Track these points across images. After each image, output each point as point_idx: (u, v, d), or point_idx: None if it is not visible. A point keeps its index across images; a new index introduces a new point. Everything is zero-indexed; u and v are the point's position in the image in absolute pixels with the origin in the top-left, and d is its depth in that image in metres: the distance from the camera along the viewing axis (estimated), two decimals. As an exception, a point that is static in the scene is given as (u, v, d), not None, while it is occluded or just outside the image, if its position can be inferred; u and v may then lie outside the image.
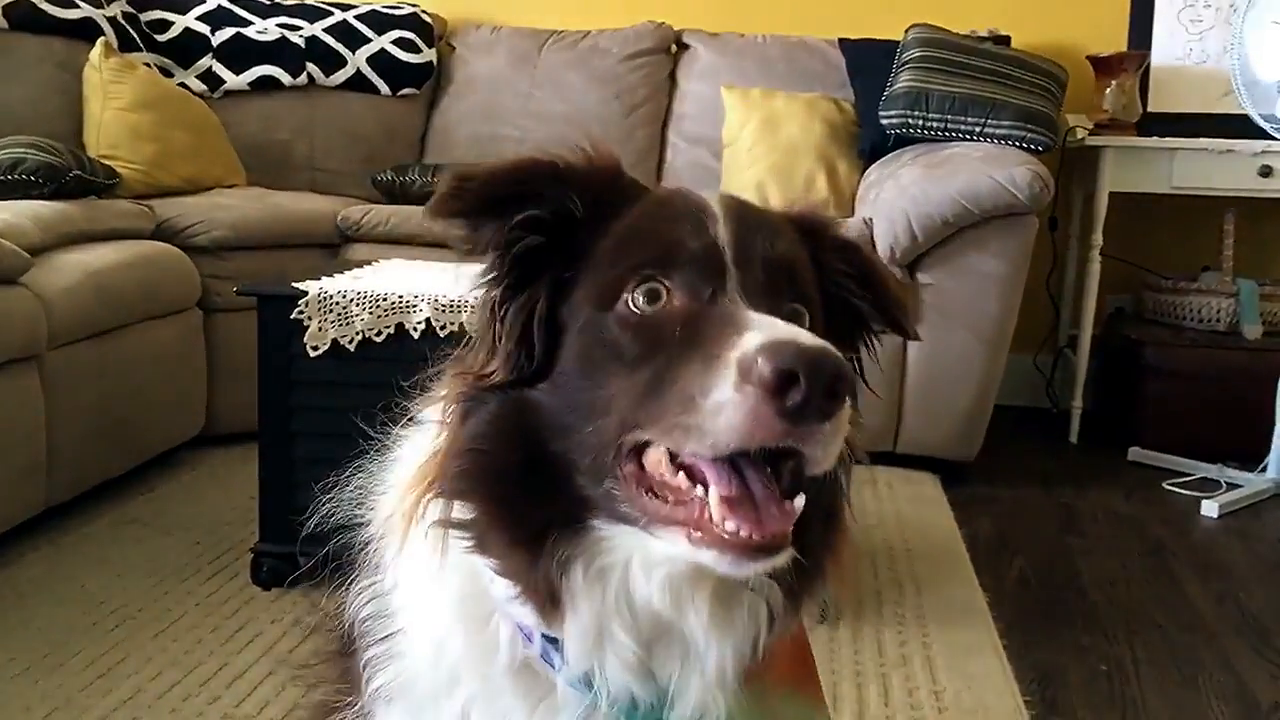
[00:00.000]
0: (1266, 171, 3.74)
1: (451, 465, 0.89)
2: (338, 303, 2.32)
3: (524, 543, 0.87)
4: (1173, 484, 3.49)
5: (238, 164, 4.07)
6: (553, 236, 0.91)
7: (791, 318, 0.86)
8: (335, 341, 2.32)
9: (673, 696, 0.89)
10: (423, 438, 0.98)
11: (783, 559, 0.81)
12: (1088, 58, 4.12)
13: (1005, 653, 2.28)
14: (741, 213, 0.92)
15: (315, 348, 2.32)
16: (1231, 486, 3.43)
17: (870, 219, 3.43)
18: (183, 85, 4.15)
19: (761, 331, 0.78)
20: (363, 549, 1.02)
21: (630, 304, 0.86)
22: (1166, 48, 4.22)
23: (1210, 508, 3.25)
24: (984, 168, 3.26)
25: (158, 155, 3.68)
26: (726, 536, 0.79)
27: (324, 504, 1.06)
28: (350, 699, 1.04)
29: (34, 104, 3.70)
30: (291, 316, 2.32)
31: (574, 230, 0.91)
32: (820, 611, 2.34)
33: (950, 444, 3.43)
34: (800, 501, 0.81)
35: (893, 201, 3.35)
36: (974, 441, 3.44)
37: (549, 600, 0.87)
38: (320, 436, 2.38)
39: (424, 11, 4.51)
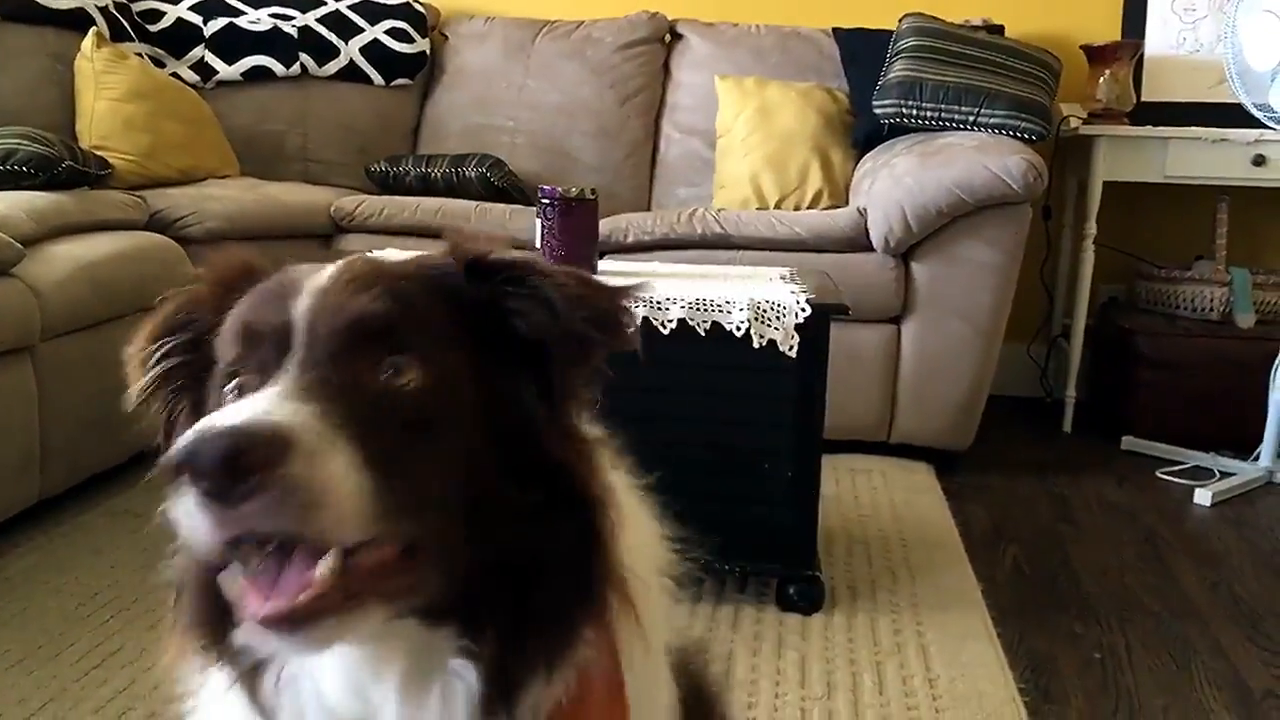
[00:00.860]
0: (1260, 160, 3.74)
1: (176, 603, 0.94)
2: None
3: (229, 660, 0.88)
4: (1166, 472, 3.50)
5: (231, 155, 4.06)
6: (193, 351, 0.92)
7: (394, 371, 0.81)
8: (329, 332, 2.31)
9: None
10: None
11: (345, 627, 0.76)
12: (1081, 47, 4.12)
13: (999, 640, 2.29)
14: (337, 279, 0.85)
15: (309, 338, 2.31)
16: (1224, 475, 3.44)
17: (864, 209, 3.43)
18: (175, 75, 4.14)
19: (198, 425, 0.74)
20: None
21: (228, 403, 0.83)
22: (1160, 37, 4.23)
23: (1203, 496, 3.26)
24: (978, 157, 3.26)
25: (150, 146, 3.67)
26: (261, 616, 0.75)
27: None
28: None
29: (26, 95, 3.68)
30: (285, 307, 2.31)
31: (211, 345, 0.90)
32: (813, 599, 2.33)
33: (944, 433, 3.43)
34: (321, 569, 0.74)
35: (887, 191, 3.35)
36: (968, 431, 3.44)
37: (265, 715, 0.87)
38: (314, 427, 2.38)
39: (417, 1, 4.50)
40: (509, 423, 0.87)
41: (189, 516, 0.73)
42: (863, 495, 3.14)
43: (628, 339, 0.90)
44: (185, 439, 0.71)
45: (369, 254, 0.93)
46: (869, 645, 2.25)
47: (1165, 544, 2.93)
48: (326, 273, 0.86)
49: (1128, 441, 3.75)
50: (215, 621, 0.86)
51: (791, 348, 2.27)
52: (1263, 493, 3.38)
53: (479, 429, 0.85)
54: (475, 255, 0.91)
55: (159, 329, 0.93)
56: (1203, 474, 3.47)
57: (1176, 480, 3.43)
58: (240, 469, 0.69)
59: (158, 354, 0.92)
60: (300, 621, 0.74)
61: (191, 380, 0.92)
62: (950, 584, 2.58)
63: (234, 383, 0.85)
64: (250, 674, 0.86)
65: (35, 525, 2.69)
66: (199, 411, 0.90)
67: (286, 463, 0.70)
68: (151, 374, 0.92)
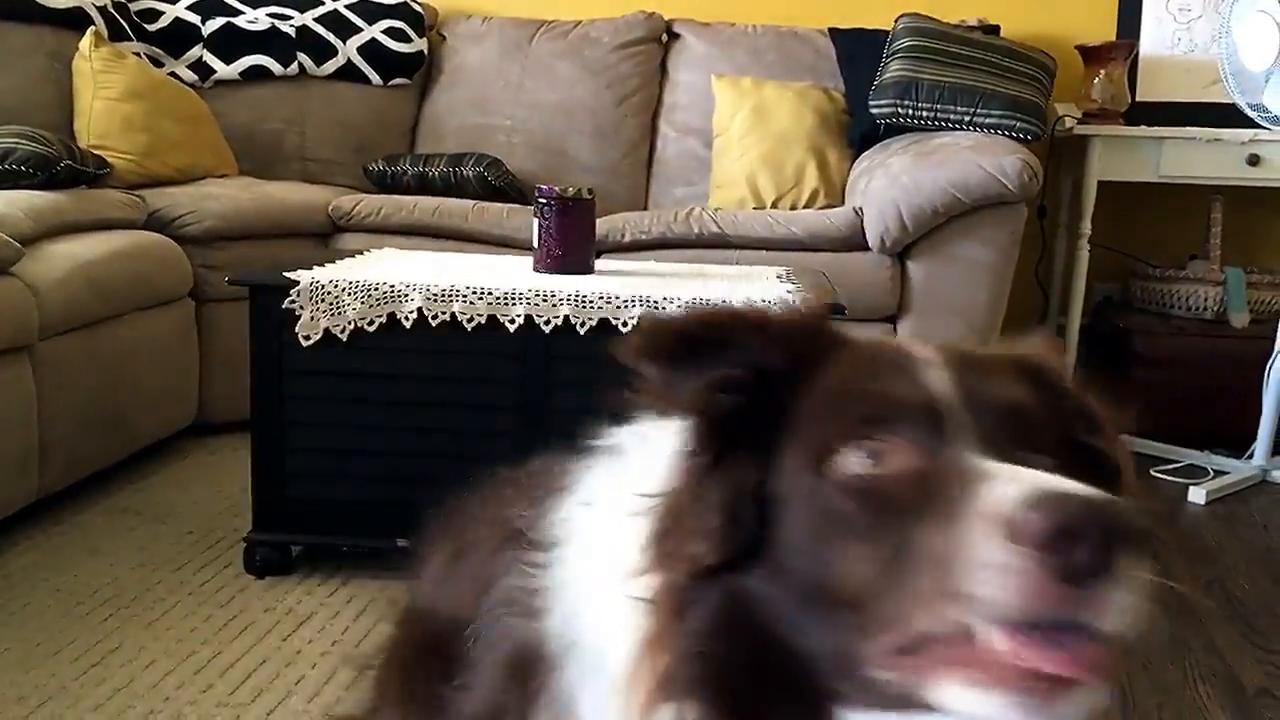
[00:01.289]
0: (1254, 160, 3.76)
1: (675, 669, 0.77)
2: (330, 292, 2.32)
3: None
4: (1160, 470, 3.51)
5: (229, 154, 4.06)
6: (752, 397, 0.81)
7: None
8: (327, 331, 2.33)
9: None
10: (600, 526, 0.89)
11: (1092, 700, 0.69)
12: (1076, 47, 4.13)
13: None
14: (961, 359, 0.81)
15: (307, 337, 2.32)
16: (1218, 473, 3.45)
17: (860, 208, 3.44)
18: (173, 75, 4.15)
19: (1019, 483, 0.67)
20: (528, 656, 0.90)
21: (851, 467, 0.75)
22: (1155, 37, 4.24)
23: (1197, 494, 3.27)
24: (974, 157, 3.27)
25: (149, 145, 3.68)
26: (1016, 668, 0.66)
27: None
28: None
29: (24, 94, 3.68)
30: (283, 306, 2.32)
31: (773, 390, 0.81)
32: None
33: (940, 432, 3.44)
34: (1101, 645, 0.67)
35: (883, 191, 3.36)
36: (963, 430, 3.44)
37: None
38: (313, 425, 2.39)
39: (414, 1, 4.51)
40: None
41: (1024, 578, 0.64)
42: (858, 494, 3.15)
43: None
44: (1060, 500, 0.65)
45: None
46: (864, 643, 2.26)
47: (1159, 542, 2.94)
48: (949, 351, 0.82)
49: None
50: (751, 698, 0.77)
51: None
52: (1256, 491, 3.40)
53: None
54: (1059, 383, 0.88)
55: (725, 325, 0.83)
56: (1197, 472, 3.49)
57: (1170, 478, 3.44)
58: (1116, 552, 0.65)
59: (723, 356, 0.82)
60: (1062, 690, 0.67)
61: (736, 422, 0.81)
62: (945, 582, 2.58)
63: (864, 445, 0.75)
64: None
65: (34, 524, 2.70)
66: (757, 461, 0.80)
67: (1138, 561, 0.66)
68: (716, 376, 0.81)
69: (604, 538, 0.87)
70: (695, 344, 0.81)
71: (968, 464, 0.71)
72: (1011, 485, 0.67)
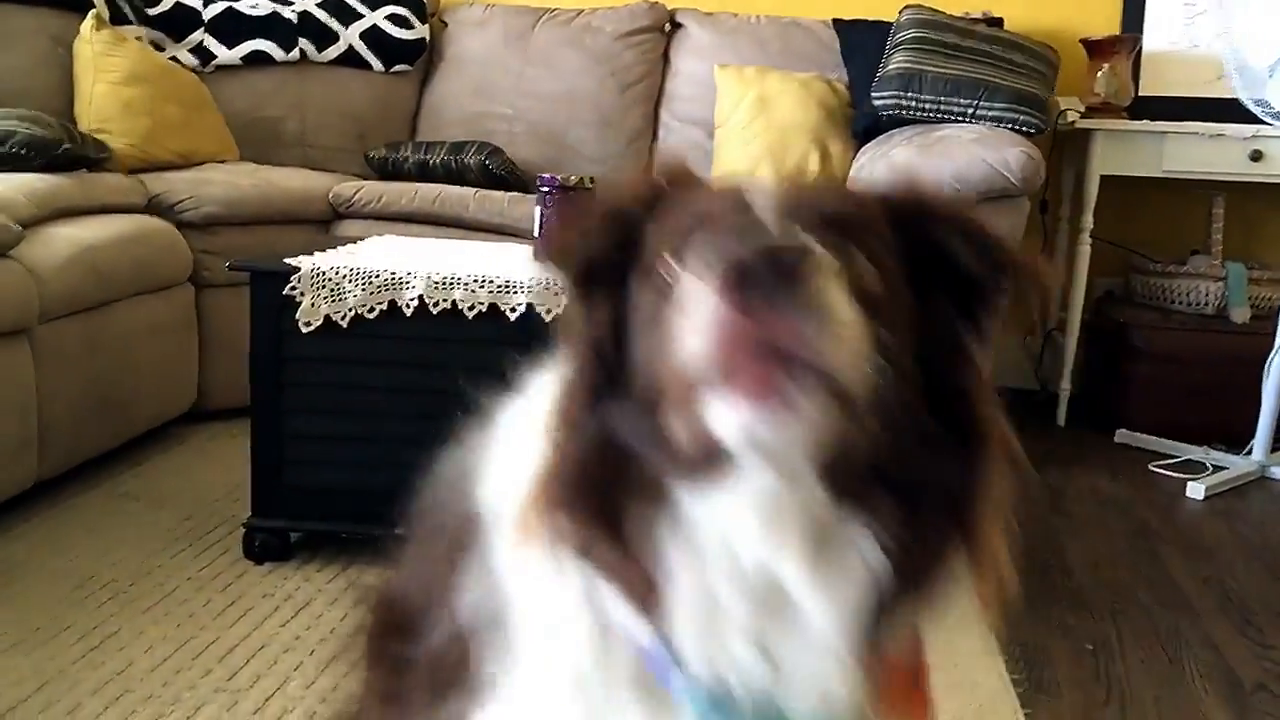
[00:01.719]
0: (1257, 156, 3.76)
1: (547, 481, 0.87)
2: (330, 279, 2.32)
3: (614, 536, 0.85)
4: (1159, 466, 3.52)
5: (229, 139, 4.05)
6: (617, 248, 0.91)
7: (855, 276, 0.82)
8: (328, 318, 2.32)
9: (786, 678, 0.83)
10: (525, 416, 0.97)
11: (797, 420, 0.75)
12: (1080, 41, 4.12)
13: (991, 630, 2.31)
14: (794, 184, 0.88)
15: (308, 324, 2.32)
16: (1217, 469, 3.46)
17: (862, 200, 3.43)
18: (174, 59, 4.13)
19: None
20: (463, 531, 0.98)
21: (666, 275, 0.84)
22: (1159, 31, 4.23)
23: (1196, 489, 3.27)
24: (977, 150, 3.26)
25: (149, 129, 3.67)
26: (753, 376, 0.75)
27: (415, 480, 1.04)
28: (406, 684, 1.03)
29: (25, 77, 3.67)
30: (284, 292, 2.32)
31: (635, 236, 0.90)
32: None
33: (939, 425, 3.44)
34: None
35: (885, 183, 3.35)
36: (963, 422, 3.44)
37: (649, 590, 0.84)
38: (312, 412, 2.39)
39: (417, -13, 4.50)
40: (935, 347, 0.87)
41: (698, 327, 0.74)
42: (857, 486, 3.15)
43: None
44: (729, 243, 0.73)
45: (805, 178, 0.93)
46: (863, 634, 2.26)
47: (1158, 537, 2.95)
48: (788, 180, 0.88)
49: (1121, 435, 3.77)
50: (604, 491, 0.85)
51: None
52: (1255, 487, 3.40)
53: (910, 346, 0.84)
54: (910, 197, 0.93)
55: (600, 239, 0.92)
56: (1195, 468, 3.49)
57: (1169, 474, 3.45)
58: (793, 277, 0.72)
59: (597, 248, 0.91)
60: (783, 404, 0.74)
61: (619, 279, 0.91)
62: (944, 575, 2.58)
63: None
64: (649, 534, 0.84)
65: (33, 508, 2.70)
66: (618, 302, 0.90)
67: (828, 282, 0.73)
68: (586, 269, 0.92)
69: (523, 425, 0.97)
70: (593, 259, 0.92)
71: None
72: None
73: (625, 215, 0.91)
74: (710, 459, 0.79)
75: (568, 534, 0.86)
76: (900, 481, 0.82)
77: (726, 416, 0.76)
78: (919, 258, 0.89)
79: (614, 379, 0.87)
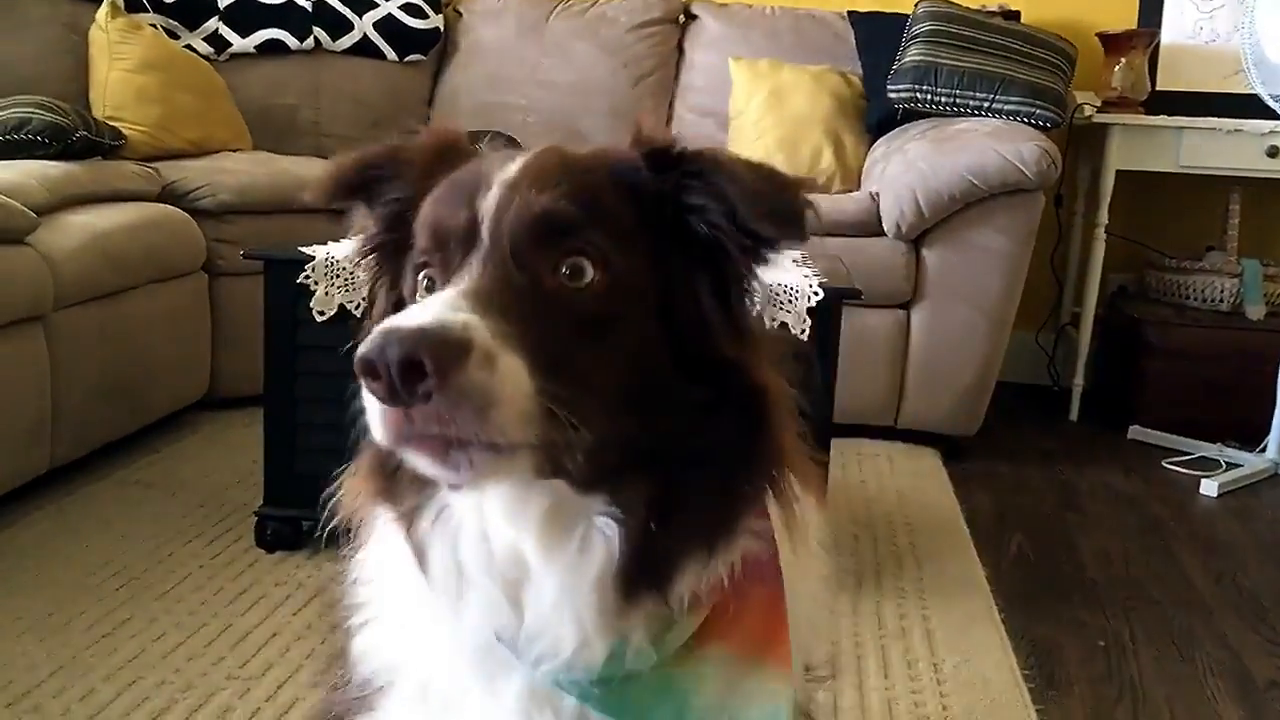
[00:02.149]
0: (1274, 152, 3.73)
1: (360, 448, 0.96)
2: (344, 268, 2.32)
3: (394, 501, 0.93)
4: (1172, 463, 3.50)
5: (243, 127, 4.05)
6: (402, 223, 0.95)
7: (572, 272, 0.84)
8: (342, 307, 2.32)
9: (533, 631, 0.88)
10: None
11: (484, 472, 0.79)
12: (1097, 34, 4.10)
13: (1004, 626, 2.30)
14: (524, 174, 0.88)
15: (321, 313, 2.32)
16: (1231, 466, 3.44)
17: (877, 193, 3.42)
18: (189, 47, 4.13)
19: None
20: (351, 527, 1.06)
21: (417, 296, 0.90)
22: (1176, 25, 4.20)
23: (1209, 487, 3.26)
24: (992, 144, 3.25)
25: (163, 117, 3.67)
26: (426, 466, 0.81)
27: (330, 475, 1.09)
28: (346, 675, 1.07)
29: (40, 64, 3.68)
30: (298, 281, 2.32)
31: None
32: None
33: (951, 419, 3.44)
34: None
35: (899, 177, 3.34)
36: (975, 417, 3.44)
37: (421, 556, 0.91)
38: (325, 401, 2.39)
39: (431, -23, 4.49)
40: (684, 320, 0.88)
41: (371, 414, 0.78)
42: (869, 479, 3.15)
43: (804, 234, 0.88)
44: (369, 340, 0.74)
45: (555, 146, 0.95)
46: (874, 629, 2.26)
47: (1171, 534, 2.94)
48: (515, 165, 0.89)
49: (1134, 431, 3.75)
50: (386, 468, 0.92)
51: (804, 331, 2.27)
52: (1269, 485, 3.38)
53: (653, 327, 0.87)
54: (658, 146, 0.93)
55: (363, 169, 0.98)
56: (1209, 465, 3.47)
57: (1182, 471, 3.43)
58: (416, 374, 0.72)
59: (356, 201, 0.98)
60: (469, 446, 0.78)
61: (393, 255, 0.97)
62: (956, 570, 2.58)
63: (423, 274, 0.90)
64: (409, 514, 0.92)
65: (46, 494, 2.71)
66: (396, 289, 0.96)
67: (462, 367, 0.73)
68: (350, 217, 0.99)
69: None
70: (349, 183, 0.97)
71: (421, 293, 0.88)
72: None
73: (390, 167, 0.98)
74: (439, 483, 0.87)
75: (376, 504, 0.96)
76: (664, 452, 0.86)
77: (426, 470, 0.81)
78: (664, 221, 0.90)
79: None
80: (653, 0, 4.39)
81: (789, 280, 2.30)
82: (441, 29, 4.47)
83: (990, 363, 3.37)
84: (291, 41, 4.29)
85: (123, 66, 3.67)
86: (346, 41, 4.35)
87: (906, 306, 3.37)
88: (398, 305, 0.94)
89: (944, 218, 3.26)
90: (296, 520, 2.47)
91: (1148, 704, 2.06)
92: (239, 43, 4.24)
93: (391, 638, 0.99)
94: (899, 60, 3.76)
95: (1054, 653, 2.24)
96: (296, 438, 2.41)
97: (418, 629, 0.97)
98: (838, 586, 2.42)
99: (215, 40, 4.22)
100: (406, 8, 4.39)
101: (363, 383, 0.75)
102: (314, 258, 2.32)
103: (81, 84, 3.70)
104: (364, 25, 4.35)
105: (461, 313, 0.76)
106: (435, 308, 0.77)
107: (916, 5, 3.90)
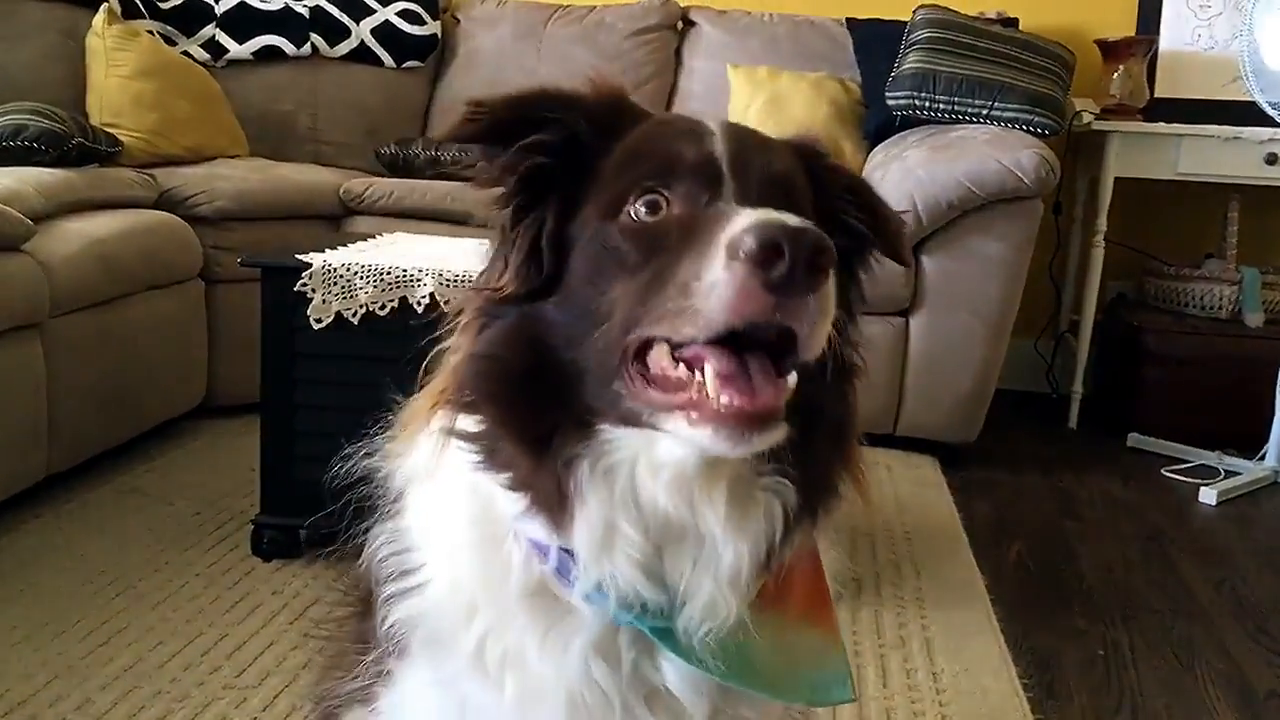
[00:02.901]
0: (1272, 159, 3.73)
1: (463, 373, 0.94)
2: (342, 275, 2.31)
3: (531, 447, 0.91)
4: (1171, 470, 3.50)
5: (240, 134, 4.05)
6: (561, 159, 0.96)
7: None
8: (339, 314, 2.32)
9: (683, 598, 0.91)
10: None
11: (778, 433, 0.84)
12: (1095, 42, 4.11)
13: (1003, 635, 2.29)
14: (740, 133, 0.96)
15: (319, 320, 2.32)
16: (1230, 474, 3.44)
17: (875, 200, 3.42)
18: (186, 54, 4.13)
19: (750, 217, 0.81)
20: (380, 496, 1.06)
21: (632, 214, 0.91)
22: (1175, 33, 4.21)
23: (1208, 494, 3.26)
24: (990, 151, 3.25)
25: (160, 124, 3.66)
26: (721, 410, 0.82)
27: (342, 464, 1.11)
28: (364, 656, 1.08)
29: (37, 70, 3.67)
30: (295, 289, 2.31)
31: (581, 153, 0.96)
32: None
33: (950, 427, 3.43)
34: (793, 379, 0.84)
35: (898, 184, 3.33)
36: (974, 425, 3.44)
37: (557, 504, 0.90)
38: (322, 409, 2.38)
39: (429, -17, 4.49)
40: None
41: (735, 292, 0.79)
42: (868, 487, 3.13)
43: (906, 260, 1.04)
44: (765, 225, 0.78)
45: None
46: (873, 638, 2.25)
47: (1170, 542, 2.93)
48: (731, 125, 0.96)
49: (1133, 438, 3.75)
50: (534, 409, 0.91)
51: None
52: (1268, 493, 3.38)
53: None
54: (822, 153, 1.04)
55: (533, 104, 0.98)
56: (1208, 472, 3.47)
57: (1182, 478, 3.43)
58: (820, 266, 0.79)
59: (533, 129, 0.97)
60: (762, 421, 0.82)
61: (553, 182, 0.97)
62: (955, 578, 2.58)
63: (645, 197, 0.91)
64: (563, 465, 0.90)
65: (42, 501, 2.70)
66: (537, 224, 0.96)
67: (830, 277, 0.80)
68: (525, 142, 0.96)
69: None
70: (506, 121, 0.96)
71: (723, 210, 0.86)
72: (743, 218, 0.81)
73: (582, 131, 0.97)
74: (647, 421, 0.87)
75: (471, 431, 0.94)
76: (805, 418, 0.90)
77: (679, 429, 0.84)
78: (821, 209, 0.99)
79: (546, 286, 0.94)
80: (651, 6, 4.39)
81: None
82: (439, 35, 4.47)
83: (989, 370, 3.37)
84: (289, 48, 4.28)
85: (120, 73, 3.66)
86: (344, 48, 4.35)
87: (905, 314, 3.36)
88: (538, 240, 0.95)
89: (943, 225, 3.26)
90: (293, 529, 2.46)
91: (1147, 713, 2.06)
92: (236, 49, 4.24)
93: (446, 602, 0.98)
94: (897, 67, 3.76)
95: (1053, 662, 2.23)
96: (294, 446, 2.40)
97: (478, 590, 0.97)
98: (836, 595, 2.41)
99: (212, 47, 4.22)
100: (404, 14, 4.39)
101: (745, 261, 0.78)
102: (311, 265, 2.31)
103: (78, 90, 3.69)
104: (361, 31, 4.35)
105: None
106: (805, 223, 0.80)
107: (915, 12, 3.90)
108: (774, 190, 0.91)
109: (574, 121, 0.96)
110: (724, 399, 0.82)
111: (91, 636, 2.08)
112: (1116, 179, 3.85)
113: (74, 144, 3.13)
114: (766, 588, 0.95)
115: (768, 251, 0.77)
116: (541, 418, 0.91)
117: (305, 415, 2.38)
